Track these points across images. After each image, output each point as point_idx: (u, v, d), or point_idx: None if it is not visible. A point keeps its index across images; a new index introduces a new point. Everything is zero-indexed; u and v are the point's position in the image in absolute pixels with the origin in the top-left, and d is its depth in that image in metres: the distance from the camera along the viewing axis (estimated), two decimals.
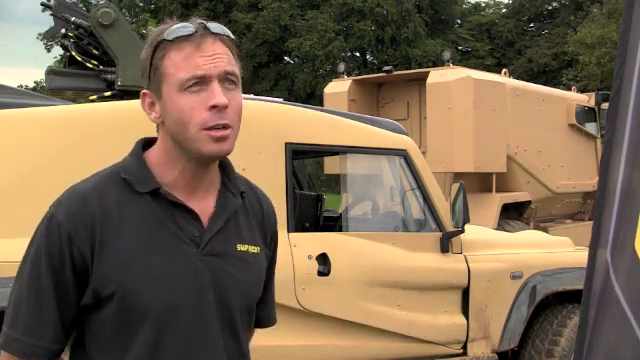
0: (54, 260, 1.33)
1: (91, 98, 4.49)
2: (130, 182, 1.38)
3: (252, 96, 3.82)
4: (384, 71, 9.53)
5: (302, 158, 5.07)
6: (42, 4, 5.18)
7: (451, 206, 3.82)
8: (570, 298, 4.42)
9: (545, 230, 8.85)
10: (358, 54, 35.97)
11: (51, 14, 4.72)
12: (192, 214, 1.39)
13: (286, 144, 3.48)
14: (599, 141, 10.77)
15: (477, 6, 41.04)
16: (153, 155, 1.43)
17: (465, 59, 33.05)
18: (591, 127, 10.76)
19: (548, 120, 9.82)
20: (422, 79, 9.06)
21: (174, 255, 1.36)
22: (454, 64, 9.63)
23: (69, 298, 1.34)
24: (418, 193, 3.88)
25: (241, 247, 1.45)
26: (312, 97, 29.61)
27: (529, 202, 9.54)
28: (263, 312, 1.62)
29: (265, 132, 3.47)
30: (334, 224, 4.47)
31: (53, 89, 4.59)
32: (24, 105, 3.32)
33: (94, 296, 1.33)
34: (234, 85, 1.38)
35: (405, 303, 3.69)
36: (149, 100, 1.41)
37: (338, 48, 32.29)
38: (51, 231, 1.34)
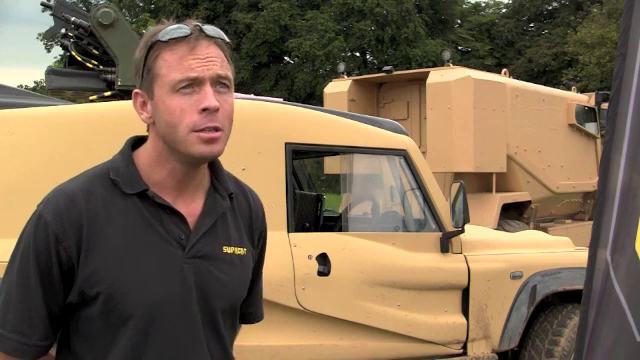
0: (41, 260, 1.34)
1: (91, 98, 4.48)
2: (118, 183, 1.39)
3: (252, 96, 3.82)
4: (384, 71, 9.53)
5: (302, 158, 5.07)
6: (42, 4, 5.17)
7: (451, 206, 3.82)
8: (570, 298, 4.42)
9: (545, 230, 8.85)
10: (358, 54, 35.95)
11: (51, 14, 4.72)
12: (179, 216, 1.40)
13: (286, 144, 3.48)
14: (599, 141, 10.77)
15: (477, 6, 41.03)
16: (142, 155, 1.43)
17: (465, 59, 33.05)
18: (591, 127, 10.76)
19: (548, 120, 9.82)
20: (422, 79, 9.06)
21: (160, 257, 1.37)
22: (454, 64, 9.62)
23: (56, 297, 1.36)
24: (418, 193, 3.88)
25: (227, 249, 1.46)
26: (312, 97, 29.61)
27: (529, 202, 9.54)
28: (250, 309, 1.64)
29: (265, 132, 3.47)
30: (334, 224, 4.47)
31: (53, 89, 4.58)
32: (24, 105, 3.32)
33: (80, 295, 1.35)
34: (226, 88, 1.39)
35: (405, 303, 3.68)
36: (141, 100, 1.41)
37: (338, 48, 32.28)
38: (39, 231, 1.35)
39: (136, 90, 1.42)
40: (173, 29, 1.37)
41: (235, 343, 3.45)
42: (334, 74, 17.46)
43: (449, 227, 3.83)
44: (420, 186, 3.85)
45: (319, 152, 4.66)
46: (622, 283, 1.53)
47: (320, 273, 3.44)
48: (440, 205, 3.86)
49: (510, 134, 9.07)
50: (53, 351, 1.44)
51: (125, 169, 1.40)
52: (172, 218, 1.40)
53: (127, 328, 1.34)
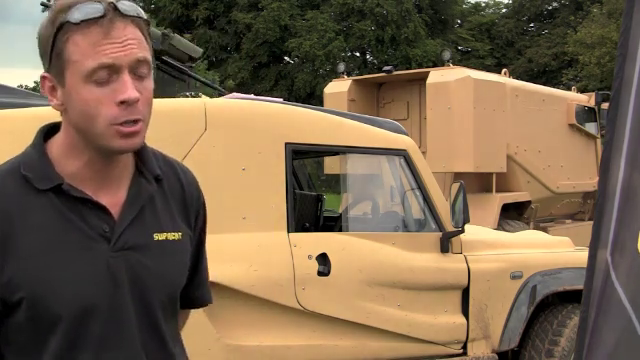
0: None
1: None
2: (29, 179, 1.27)
3: (252, 96, 3.82)
4: (384, 71, 9.52)
5: (302, 158, 5.07)
6: (42, 4, 5.17)
7: (451, 206, 3.82)
8: (570, 298, 4.42)
9: (545, 230, 8.84)
10: (358, 54, 35.94)
11: None
12: (100, 208, 1.29)
13: (286, 144, 3.48)
14: (599, 141, 10.76)
15: (477, 6, 41.02)
16: (56, 144, 1.32)
17: (465, 59, 33.03)
18: (591, 127, 10.76)
19: (548, 120, 9.82)
20: (422, 79, 9.05)
21: (83, 254, 1.27)
22: (454, 64, 9.62)
23: None
24: (418, 193, 3.88)
25: (158, 236, 1.35)
26: (312, 97, 29.60)
27: (529, 202, 9.54)
28: (196, 292, 1.53)
29: (265, 132, 3.47)
30: (334, 224, 4.47)
31: None
32: (24, 105, 3.32)
33: (2, 303, 1.25)
34: (146, 72, 1.27)
35: (405, 303, 3.68)
36: (49, 84, 1.28)
37: (338, 48, 32.27)
38: None
39: (44, 74, 1.29)
40: (84, 7, 1.21)
41: (235, 343, 3.46)
42: (334, 74, 17.45)
43: (449, 227, 3.83)
44: (420, 186, 3.85)
45: (319, 152, 4.66)
46: (623, 283, 1.53)
47: (320, 273, 3.44)
48: (440, 205, 3.86)
49: (510, 134, 9.06)
50: None
51: (37, 162, 1.29)
52: (93, 211, 1.28)
53: (55, 333, 1.25)
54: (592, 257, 1.63)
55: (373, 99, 9.95)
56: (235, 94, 3.96)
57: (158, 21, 29.57)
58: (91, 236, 1.28)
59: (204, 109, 3.34)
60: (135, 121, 1.25)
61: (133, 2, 1.28)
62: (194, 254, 1.47)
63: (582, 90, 15.43)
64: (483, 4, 41.08)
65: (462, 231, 3.83)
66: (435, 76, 8.80)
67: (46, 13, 1.31)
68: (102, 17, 1.21)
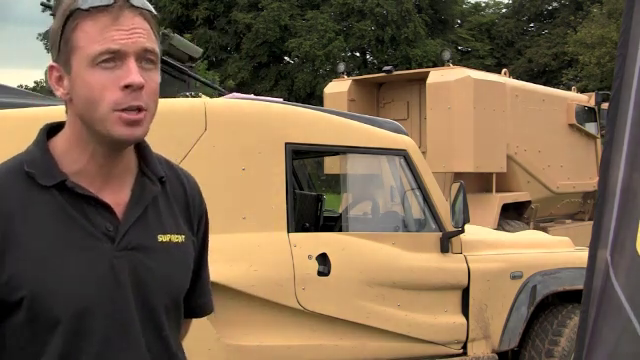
0: None
1: None
2: (33, 176, 1.26)
3: (252, 96, 3.83)
4: (384, 71, 9.52)
5: (302, 158, 5.07)
6: (42, 4, 5.18)
7: (451, 206, 3.82)
8: (570, 298, 4.42)
9: (545, 230, 8.84)
10: (358, 54, 35.94)
11: (51, 14, 4.72)
12: (105, 206, 1.28)
13: (286, 144, 3.48)
14: (599, 141, 10.76)
15: (477, 6, 41.02)
16: (60, 141, 1.31)
17: (465, 59, 33.03)
18: (591, 127, 10.76)
19: (548, 120, 9.82)
20: (422, 79, 9.06)
21: (86, 253, 1.25)
22: (454, 64, 9.62)
23: None
24: (418, 193, 3.88)
25: (162, 237, 1.33)
26: (312, 97, 29.59)
27: (529, 202, 9.54)
28: (198, 301, 1.51)
29: (265, 132, 3.47)
30: (334, 224, 4.47)
31: None
32: (24, 105, 3.32)
33: (1, 303, 1.22)
34: (152, 65, 1.27)
35: (405, 303, 3.68)
36: (57, 74, 1.29)
37: (338, 48, 32.27)
38: None
39: (52, 63, 1.29)
40: None
41: (235, 343, 3.46)
42: (334, 74, 17.45)
43: (449, 227, 3.83)
44: (420, 186, 3.85)
45: (319, 152, 4.66)
46: (622, 283, 1.53)
47: (320, 273, 3.44)
48: (440, 205, 3.86)
49: (510, 134, 9.07)
50: None
51: (40, 159, 1.28)
52: (97, 209, 1.27)
53: (56, 334, 1.22)
54: (592, 257, 1.63)
55: (373, 99, 9.95)
56: (235, 94, 3.97)
57: (158, 21, 29.53)
58: (94, 235, 1.26)
59: (204, 109, 3.34)
60: (139, 109, 1.24)
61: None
62: (196, 261, 1.45)
63: (582, 90, 15.43)
64: (483, 4, 41.10)
65: (462, 231, 3.83)
66: (435, 76, 8.80)
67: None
68: (111, 5, 1.23)
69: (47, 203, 1.25)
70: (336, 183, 7.19)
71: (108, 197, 1.30)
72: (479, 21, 38.67)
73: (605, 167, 1.61)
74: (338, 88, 9.81)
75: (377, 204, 4.47)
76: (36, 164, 1.27)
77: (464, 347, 3.91)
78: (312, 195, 4.69)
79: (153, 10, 1.29)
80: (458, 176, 8.11)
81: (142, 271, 1.29)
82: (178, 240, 1.36)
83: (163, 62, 6.53)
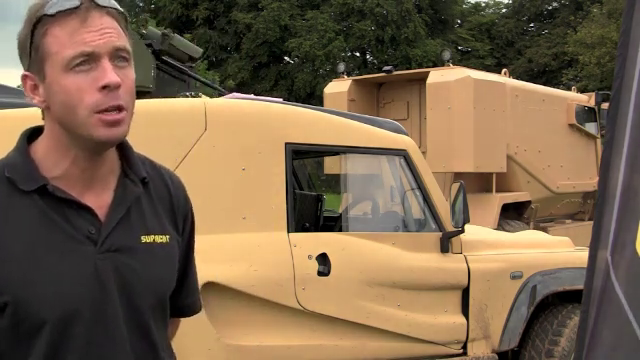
0: None
1: None
2: (14, 181, 1.25)
3: (252, 96, 3.83)
4: (384, 71, 9.52)
5: (302, 158, 5.07)
6: None
7: (451, 206, 3.82)
8: (570, 298, 4.42)
9: (545, 230, 8.84)
10: (358, 54, 35.93)
11: None
12: (86, 209, 1.28)
13: (286, 144, 3.48)
14: (599, 141, 10.76)
15: (477, 6, 41.00)
16: (40, 146, 1.31)
17: (465, 59, 33.02)
18: (591, 127, 10.76)
19: (548, 120, 9.81)
20: (422, 79, 9.05)
21: (69, 257, 1.25)
22: (454, 64, 9.62)
23: None
24: (418, 193, 3.88)
25: (146, 238, 1.33)
26: (312, 97, 29.58)
27: (529, 202, 9.53)
28: (185, 301, 1.52)
29: (265, 132, 3.47)
30: (334, 224, 4.47)
31: None
32: (24, 105, 3.31)
33: None
34: (126, 62, 1.27)
35: (405, 303, 3.68)
36: (31, 83, 1.28)
37: (338, 48, 32.26)
38: None
39: (24, 73, 1.28)
40: (60, 0, 1.23)
41: (235, 343, 3.45)
42: (334, 74, 17.44)
43: (449, 227, 3.83)
44: (420, 186, 3.85)
45: (319, 152, 4.65)
46: (623, 283, 1.53)
47: (320, 273, 3.44)
48: (440, 205, 3.86)
49: (510, 134, 9.06)
50: None
51: (21, 165, 1.27)
52: (79, 212, 1.27)
53: (40, 338, 1.22)
54: (592, 257, 1.63)
55: (373, 99, 9.95)
56: (235, 94, 3.96)
57: (158, 21, 29.54)
58: (76, 238, 1.26)
59: (204, 109, 3.34)
60: (118, 109, 1.24)
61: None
62: (182, 260, 1.45)
63: (582, 90, 15.43)
64: (483, 4, 41.09)
65: (462, 231, 3.83)
66: (435, 76, 8.80)
67: None
68: (78, 7, 1.23)
69: (28, 208, 1.25)
70: (336, 183, 7.18)
71: (90, 200, 1.29)
72: (479, 21, 38.66)
73: (605, 167, 1.61)
74: (338, 88, 9.81)
75: (377, 204, 4.47)
76: (17, 169, 1.27)
77: (464, 347, 3.91)
78: (312, 195, 4.68)
79: (120, 8, 1.29)
80: (458, 176, 8.11)
81: (126, 272, 1.29)
82: (162, 240, 1.36)
83: (163, 62, 6.54)
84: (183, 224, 1.45)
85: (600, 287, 1.58)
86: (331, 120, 3.73)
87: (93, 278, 1.26)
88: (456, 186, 3.85)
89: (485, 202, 8.75)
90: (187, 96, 3.67)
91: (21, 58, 1.30)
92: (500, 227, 8.47)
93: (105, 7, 1.25)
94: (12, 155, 1.31)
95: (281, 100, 3.94)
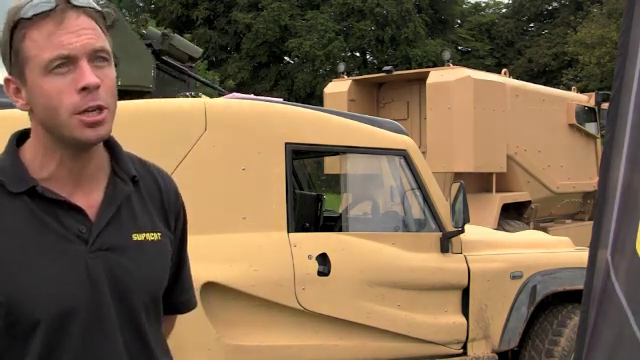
0: None
1: None
2: (3, 183, 1.26)
3: (252, 96, 3.82)
4: (384, 71, 9.52)
5: (302, 158, 5.07)
6: None
7: (451, 206, 3.82)
8: (570, 298, 4.42)
9: (545, 230, 8.84)
10: (358, 54, 35.92)
11: None
12: (76, 209, 1.28)
13: (286, 144, 3.48)
14: (599, 141, 10.76)
15: (477, 6, 40.99)
16: (28, 148, 1.32)
17: (465, 59, 33.01)
18: (591, 127, 10.76)
19: (548, 120, 9.82)
20: (422, 79, 9.06)
21: (60, 256, 1.25)
22: (454, 64, 9.62)
23: None
24: (418, 193, 3.87)
25: (137, 236, 1.34)
26: (312, 97, 29.58)
27: (529, 202, 9.54)
28: (180, 298, 1.52)
29: (265, 132, 3.47)
30: (334, 224, 4.47)
31: None
32: None
33: None
34: (105, 62, 1.27)
35: (405, 303, 3.68)
36: (13, 86, 1.29)
37: (338, 48, 32.25)
38: None
39: (6, 76, 1.29)
40: (36, 3, 1.23)
41: (235, 343, 3.45)
42: (334, 74, 17.44)
43: (449, 227, 3.83)
44: (420, 186, 3.85)
45: (319, 152, 4.66)
46: (622, 283, 1.53)
47: (320, 273, 3.44)
48: (440, 205, 3.86)
49: (510, 134, 9.07)
50: None
51: (10, 167, 1.28)
52: (69, 212, 1.28)
53: (34, 339, 1.23)
54: (592, 257, 1.63)
55: (373, 99, 9.95)
56: (235, 94, 3.96)
57: (158, 21, 29.53)
58: (67, 238, 1.27)
59: (204, 109, 3.34)
60: (99, 109, 1.24)
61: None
62: (176, 258, 1.46)
63: (582, 90, 15.42)
64: (483, 4, 41.08)
65: (462, 231, 3.83)
66: (435, 76, 8.80)
67: None
68: (53, 9, 1.23)
69: (19, 210, 1.26)
70: (336, 183, 7.18)
71: (80, 200, 1.30)
72: (479, 21, 38.65)
73: (605, 167, 1.61)
74: (338, 88, 9.81)
75: (377, 204, 4.47)
76: (6, 172, 1.28)
77: (464, 347, 3.91)
78: (312, 195, 4.68)
79: (97, 6, 1.29)
80: (458, 176, 8.11)
81: (118, 270, 1.30)
82: (154, 238, 1.37)
83: (163, 62, 6.54)
84: (175, 221, 1.45)
85: (600, 287, 1.58)
86: (331, 120, 3.73)
87: (85, 277, 1.26)
88: (456, 186, 3.85)
89: (485, 202, 8.75)
90: (187, 96, 3.67)
91: (3, 62, 1.30)
92: (500, 227, 8.47)
93: (81, 7, 1.25)
94: (1, 158, 1.32)
95: (281, 100, 3.94)
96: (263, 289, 3.30)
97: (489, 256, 4.04)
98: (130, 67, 4.86)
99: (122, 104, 3.78)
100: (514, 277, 4.09)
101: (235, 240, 3.30)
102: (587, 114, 10.72)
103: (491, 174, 8.95)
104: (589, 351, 1.60)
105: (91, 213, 1.30)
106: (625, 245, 1.54)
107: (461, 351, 3.90)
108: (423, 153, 6.07)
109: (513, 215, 9.42)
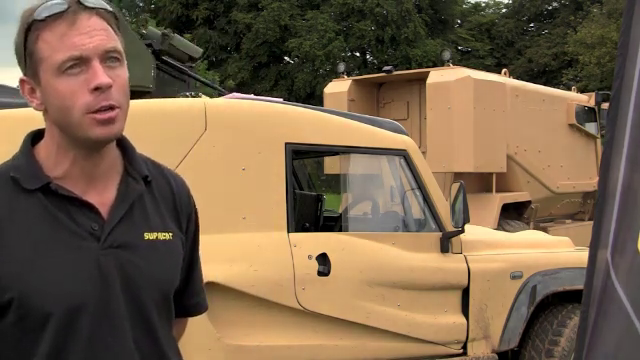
0: None
1: None
2: (18, 180, 1.29)
3: (252, 96, 3.83)
4: (384, 71, 9.52)
5: (302, 158, 5.07)
6: None
7: (451, 206, 3.82)
8: (570, 298, 4.42)
9: (545, 230, 8.84)
10: (358, 54, 35.92)
11: None
12: (89, 206, 1.30)
13: (286, 144, 3.48)
14: (599, 141, 10.76)
15: (477, 6, 40.99)
16: (43, 147, 1.35)
17: (465, 59, 33.01)
18: (591, 127, 10.76)
19: (548, 120, 9.81)
20: (422, 79, 9.05)
21: (72, 253, 1.27)
22: (454, 64, 9.62)
23: None
24: (418, 193, 3.88)
25: (149, 235, 1.35)
26: (312, 97, 29.58)
27: (529, 202, 9.53)
28: (192, 300, 1.53)
29: (265, 132, 3.47)
30: (334, 224, 4.47)
31: None
32: (24, 105, 3.31)
33: None
34: (117, 62, 1.29)
35: (405, 303, 3.68)
36: (28, 87, 1.32)
37: (338, 48, 32.25)
38: None
39: (22, 77, 1.33)
40: (49, 5, 1.25)
41: (235, 343, 3.45)
42: (334, 74, 17.44)
43: (449, 227, 3.83)
44: (420, 186, 3.85)
45: (319, 152, 4.66)
46: (623, 283, 1.52)
47: (320, 273, 3.44)
48: (440, 205, 3.86)
49: (510, 134, 9.06)
50: None
51: (25, 165, 1.32)
52: (81, 209, 1.30)
53: (45, 333, 1.25)
54: (592, 257, 1.63)
55: (373, 99, 9.95)
56: (235, 94, 3.96)
57: (158, 21, 29.51)
58: (80, 234, 1.29)
59: (204, 109, 3.34)
60: (111, 107, 1.26)
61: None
62: (187, 259, 1.47)
63: (582, 90, 15.42)
64: (483, 4, 41.08)
65: (462, 231, 3.83)
66: (435, 76, 8.80)
67: None
68: (65, 11, 1.25)
69: (33, 206, 1.28)
70: (336, 183, 7.19)
71: (93, 197, 1.32)
72: (479, 21, 38.65)
73: (605, 167, 1.61)
74: (338, 88, 9.81)
75: (377, 204, 4.47)
76: (21, 169, 1.31)
77: (464, 347, 3.91)
78: (312, 195, 4.68)
79: (108, 7, 1.31)
80: (458, 176, 8.11)
81: (129, 268, 1.31)
82: (165, 237, 1.38)
83: (163, 62, 6.54)
84: (187, 223, 1.47)
85: (600, 287, 1.58)
86: (331, 120, 3.73)
87: (96, 273, 1.28)
88: (456, 186, 3.85)
89: (485, 202, 8.75)
90: (187, 96, 3.67)
91: (18, 63, 1.33)
92: (500, 227, 8.47)
93: (93, 8, 1.27)
94: (17, 156, 1.35)
95: (281, 100, 3.94)
96: (263, 289, 3.30)
97: (489, 256, 4.04)
98: (130, 67, 4.84)
99: None
100: (514, 277, 4.09)
101: (235, 240, 3.30)
102: (587, 114, 10.72)
103: (491, 174, 8.95)
104: (589, 351, 1.60)
105: (103, 211, 1.32)
106: (625, 245, 1.53)
107: (461, 351, 3.91)
108: (423, 153, 6.07)
109: (513, 215, 9.42)
